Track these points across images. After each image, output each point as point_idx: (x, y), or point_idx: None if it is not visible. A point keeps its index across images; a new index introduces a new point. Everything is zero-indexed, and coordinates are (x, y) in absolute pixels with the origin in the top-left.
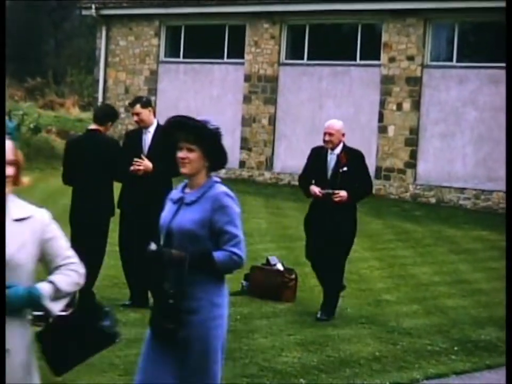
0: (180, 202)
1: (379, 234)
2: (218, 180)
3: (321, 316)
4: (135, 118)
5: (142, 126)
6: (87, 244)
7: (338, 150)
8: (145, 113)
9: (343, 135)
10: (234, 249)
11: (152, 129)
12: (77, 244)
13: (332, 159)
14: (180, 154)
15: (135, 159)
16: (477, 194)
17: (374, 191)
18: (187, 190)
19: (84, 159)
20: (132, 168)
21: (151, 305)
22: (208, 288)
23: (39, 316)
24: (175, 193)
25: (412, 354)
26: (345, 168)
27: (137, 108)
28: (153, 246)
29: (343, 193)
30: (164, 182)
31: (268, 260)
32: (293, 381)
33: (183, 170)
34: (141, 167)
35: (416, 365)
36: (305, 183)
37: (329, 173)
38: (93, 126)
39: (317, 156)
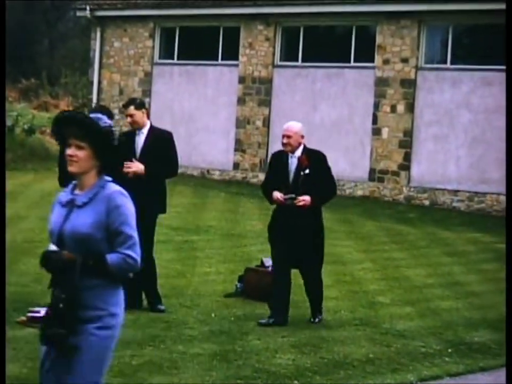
0: (70, 204)
1: (373, 236)
2: (109, 179)
3: (314, 319)
4: (129, 119)
5: (135, 127)
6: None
7: (298, 152)
8: (139, 115)
9: (302, 137)
10: (129, 252)
11: (145, 131)
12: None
13: (292, 162)
14: (68, 151)
15: (126, 162)
16: (471, 196)
17: (368, 193)
18: (77, 192)
19: None
20: (124, 169)
21: (145, 306)
22: (105, 295)
23: (35, 316)
24: (63, 195)
25: (405, 356)
26: (307, 171)
27: (131, 109)
28: (50, 247)
29: (305, 197)
30: (156, 184)
31: (262, 262)
32: (287, 382)
33: (70, 168)
34: (131, 170)
35: (410, 367)
36: (267, 190)
37: (291, 177)
38: None
39: (278, 160)
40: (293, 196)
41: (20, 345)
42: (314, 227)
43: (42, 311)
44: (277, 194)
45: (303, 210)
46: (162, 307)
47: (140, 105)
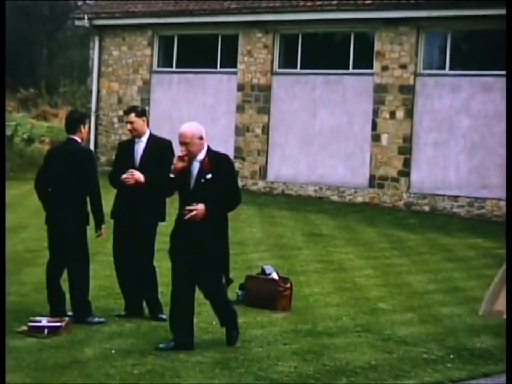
0: None
1: (373, 242)
2: None
3: (232, 341)
4: (129, 126)
5: (134, 134)
6: (65, 252)
7: (201, 155)
8: (139, 123)
9: (201, 138)
10: None
11: (144, 139)
12: (54, 249)
13: (195, 166)
14: None
15: (129, 170)
16: (471, 202)
17: (368, 199)
18: None
19: (54, 166)
20: (122, 177)
21: (146, 315)
22: None
23: (35, 326)
24: None
25: (407, 363)
26: (209, 176)
27: (132, 116)
28: None
29: (199, 206)
30: (156, 192)
31: (262, 269)
32: None
33: None
34: (131, 179)
35: (412, 373)
36: (168, 195)
37: (192, 182)
38: (69, 135)
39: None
40: (186, 208)
41: (21, 355)
42: (214, 241)
43: (43, 321)
44: None
45: (204, 219)
46: (163, 316)
47: (141, 113)
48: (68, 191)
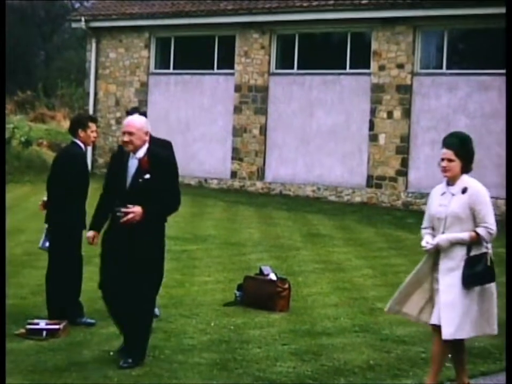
0: None
1: (371, 242)
2: None
3: (124, 362)
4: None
5: None
6: (62, 254)
7: (141, 153)
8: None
9: (147, 133)
10: None
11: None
12: (52, 251)
13: (132, 164)
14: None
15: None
16: None
17: (366, 199)
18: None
19: (53, 169)
20: None
21: None
22: None
23: (33, 329)
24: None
25: (406, 362)
26: (147, 176)
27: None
28: None
29: (135, 209)
30: None
31: (261, 270)
32: None
33: None
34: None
35: (411, 372)
36: (102, 199)
37: (129, 182)
38: (72, 138)
39: (117, 161)
40: (121, 209)
41: (19, 358)
42: (150, 244)
43: (42, 323)
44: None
45: (139, 223)
46: (157, 312)
47: (144, 115)
48: (58, 194)
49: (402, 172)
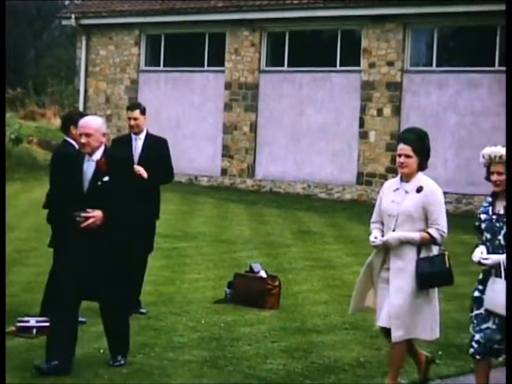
0: None
1: (362, 239)
2: None
3: (113, 361)
4: (132, 122)
5: (135, 131)
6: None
7: (98, 155)
8: (142, 120)
9: (104, 135)
10: None
11: (142, 136)
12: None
13: (89, 167)
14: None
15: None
16: (459, 198)
17: (356, 197)
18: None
19: (50, 169)
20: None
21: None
22: None
23: (23, 326)
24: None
25: None
26: (106, 178)
27: (137, 113)
28: None
29: (96, 213)
30: (155, 190)
31: (251, 267)
32: None
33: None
34: (140, 171)
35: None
36: (56, 202)
37: (86, 185)
38: (65, 137)
39: (70, 164)
40: (80, 214)
41: (10, 355)
42: (111, 249)
43: (32, 321)
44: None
45: (103, 225)
46: (143, 310)
47: (144, 111)
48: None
49: (393, 169)
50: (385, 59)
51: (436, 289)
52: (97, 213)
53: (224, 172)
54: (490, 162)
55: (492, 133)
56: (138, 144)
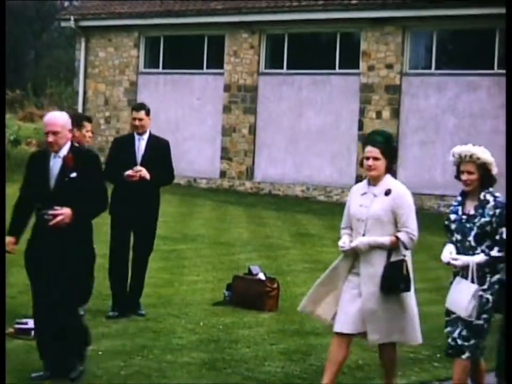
0: None
1: None
2: None
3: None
4: (137, 122)
5: (140, 132)
6: None
7: (64, 151)
8: (147, 121)
9: (70, 131)
10: None
11: (145, 137)
12: None
13: (55, 163)
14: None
15: (136, 167)
16: None
17: None
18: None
19: None
20: (127, 173)
21: (133, 317)
22: None
23: (22, 328)
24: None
25: None
26: (73, 174)
27: (142, 113)
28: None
29: (64, 210)
30: (156, 191)
31: (249, 270)
32: None
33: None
34: (136, 177)
35: (399, 372)
36: (20, 201)
37: (52, 183)
38: None
39: (37, 162)
40: (48, 211)
41: (8, 357)
42: (80, 249)
43: (30, 323)
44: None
45: (66, 227)
46: (142, 312)
47: (149, 112)
48: None
49: (391, 171)
50: (384, 62)
51: (412, 293)
52: (66, 210)
53: (223, 174)
54: (460, 161)
55: (490, 135)
56: (141, 144)
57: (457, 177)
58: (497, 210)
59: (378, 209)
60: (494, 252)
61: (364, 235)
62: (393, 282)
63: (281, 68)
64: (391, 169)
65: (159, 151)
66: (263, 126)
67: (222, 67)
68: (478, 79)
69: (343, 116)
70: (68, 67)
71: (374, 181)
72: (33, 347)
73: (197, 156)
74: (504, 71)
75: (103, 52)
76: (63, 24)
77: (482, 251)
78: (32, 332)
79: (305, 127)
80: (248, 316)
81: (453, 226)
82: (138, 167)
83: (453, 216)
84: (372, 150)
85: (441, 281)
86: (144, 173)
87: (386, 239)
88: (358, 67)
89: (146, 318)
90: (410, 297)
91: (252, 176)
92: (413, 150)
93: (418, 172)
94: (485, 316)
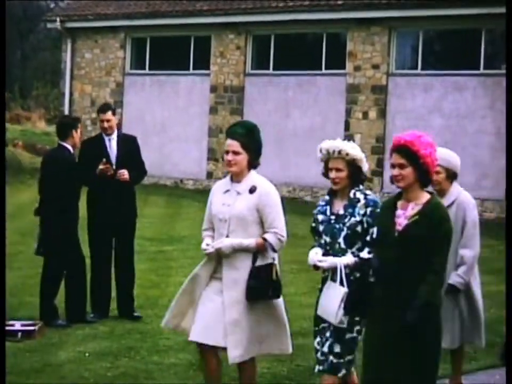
0: None
1: None
2: None
3: None
4: (105, 124)
5: (108, 133)
6: (59, 255)
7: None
8: (114, 121)
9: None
10: None
11: (115, 136)
12: (47, 255)
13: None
14: None
15: (103, 165)
16: None
17: None
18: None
19: (44, 173)
20: (100, 167)
21: (120, 318)
22: None
23: (9, 330)
24: None
25: None
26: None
27: (109, 114)
28: None
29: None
30: (131, 189)
31: None
32: None
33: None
34: (125, 176)
35: None
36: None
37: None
38: (60, 142)
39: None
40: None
41: None
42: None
43: (17, 325)
44: None
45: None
46: (138, 314)
47: (115, 111)
48: (52, 199)
49: (378, 172)
50: (370, 62)
51: (281, 300)
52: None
53: (209, 175)
54: (328, 157)
55: (477, 135)
56: (112, 144)
57: (325, 174)
58: (368, 209)
59: (243, 208)
60: (364, 254)
61: (227, 236)
62: (261, 288)
63: (268, 68)
64: (255, 164)
65: (129, 148)
66: None
67: (208, 68)
68: (464, 79)
69: (329, 116)
70: (54, 69)
71: (236, 178)
72: (21, 349)
73: (183, 157)
74: (490, 71)
75: (89, 53)
76: (49, 25)
77: (353, 253)
78: (19, 334)
79: (292, 128)
80: None
81: (321, 227)
82: (121, 171)
83: (320, 217)
84: (231, 143)
85: None
86: (126, 175)
87: (252, 241)
88: (344, 67)
89: (132, 319)
90: (280, 304)
91: None
92: None
93: None
94: (357, 327)
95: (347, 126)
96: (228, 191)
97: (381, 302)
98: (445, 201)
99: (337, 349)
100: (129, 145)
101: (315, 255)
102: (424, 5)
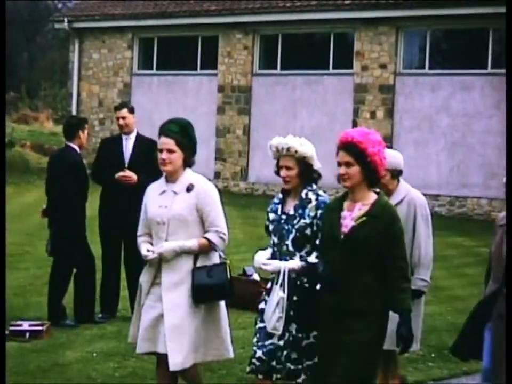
0: None
1: None
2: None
3: None
4: (121, 121)
5: (125, 131)
6: (66, 256)
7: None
8: (131, 119)
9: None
10: None
11: (133, 136)
12: (56, 255)
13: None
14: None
15: (123, 173)
16: (452, 200)
17: None
18: None
19: (51, 174)
20: (119, 174)
21: (122, 316)
22: None
23: (16, 330)
24: None
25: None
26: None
27: (124, 112)
28: None
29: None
30: (141, 190)
31: (244, 270)
32: None
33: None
34: (133, 180)
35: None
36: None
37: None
38: (67, 142)
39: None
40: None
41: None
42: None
43: (25, 325)
44: None
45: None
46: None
47: (132, 110)
48: (61, 199)
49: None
50: (378, 62)
51: (223, 302)
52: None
53: (217, 175)
54: (279, 155)
55: (484, 135)
56: (128, 144)
57: (277, 172)
58: (319, 211)
59: (181, 208)
60: (312, 258)
61: (166, 240)
62: (212, 288)
63: (275, 68)
64: (191, 162)
65: (145, 151)
66: (257, 126)
67: (215, 68)
68: (472, 78)
69: (337, 116)
70: (62, 69)
71: (172, 177)
72: (28, 349)
73: None
74: (497, 71)
75: (97, 53)
76: (56, 26)
77: (301, 257)
78: (27, 334)
79: (299, 128)
80: (243, 316)
81: (271, 227)
82: (125, 173)
83: (272, 216)
84: (165, 141)
85: (436, 281)
86: (133, 177)
87: (194, 242)
88: (351, 67)
89: None
90: (222, 308)
91: (246, 177)
92: (407, 149)
93: (413, 171)
94: (314, 333)
95: (354, 126)
96: (163, 192)
97: (329, 310)
98: (392, 200)
99: (294, 355)
100: (145, 147)
101: (260, 258)
102: (432, 5)
